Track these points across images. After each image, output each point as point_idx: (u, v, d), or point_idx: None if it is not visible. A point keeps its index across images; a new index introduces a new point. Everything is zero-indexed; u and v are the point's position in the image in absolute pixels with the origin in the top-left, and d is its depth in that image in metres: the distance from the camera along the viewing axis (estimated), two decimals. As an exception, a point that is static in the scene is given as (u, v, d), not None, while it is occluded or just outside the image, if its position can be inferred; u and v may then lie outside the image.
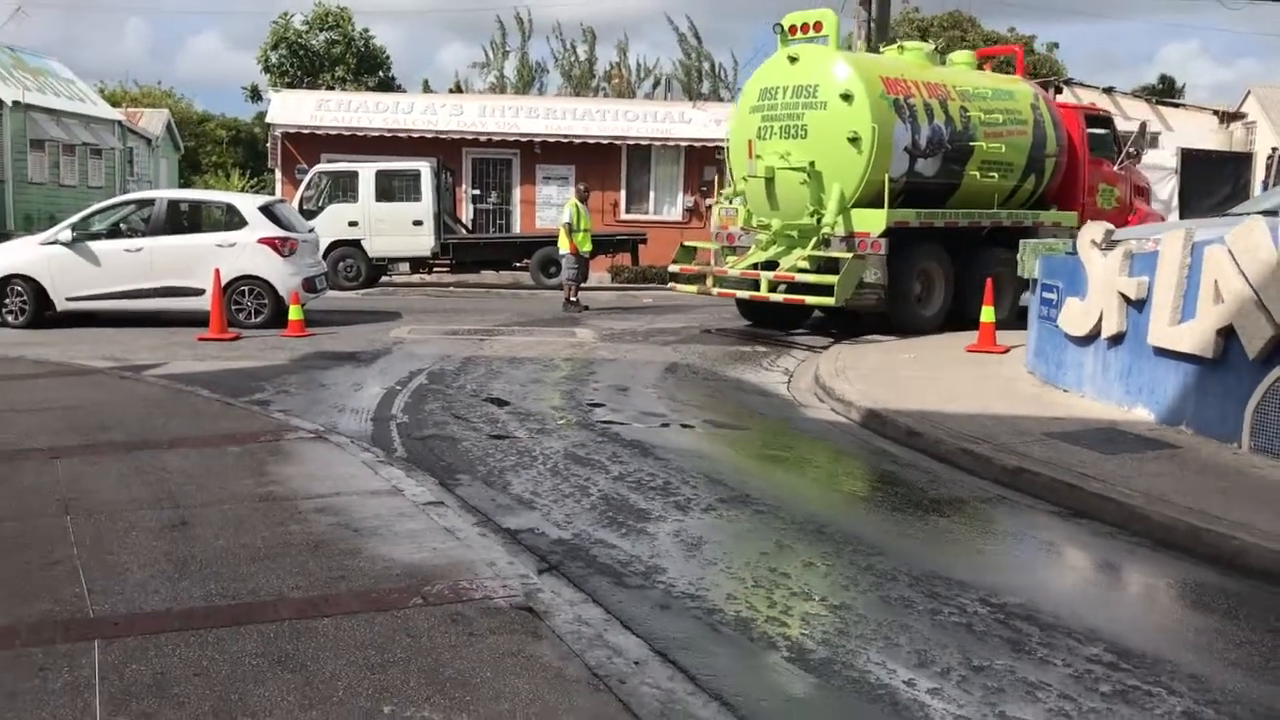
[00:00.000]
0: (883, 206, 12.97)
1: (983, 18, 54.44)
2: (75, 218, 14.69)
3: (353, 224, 20.91)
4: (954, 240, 14.19)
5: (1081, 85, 28.20)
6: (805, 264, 13.29)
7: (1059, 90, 28.08)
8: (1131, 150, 16.67)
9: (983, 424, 8.21)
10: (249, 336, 13.36)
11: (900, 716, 3.86)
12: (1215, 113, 28.09)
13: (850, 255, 12.92)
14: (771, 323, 14.79)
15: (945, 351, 11.94)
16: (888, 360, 11.39)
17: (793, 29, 13.74)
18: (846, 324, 14.39)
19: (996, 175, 14.56)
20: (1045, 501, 6.66)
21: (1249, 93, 37.87)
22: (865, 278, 13.00)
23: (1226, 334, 7.50)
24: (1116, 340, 8.76)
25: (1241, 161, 24.36)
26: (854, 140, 12.96)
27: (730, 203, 14.82)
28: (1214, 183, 23.53)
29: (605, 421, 8.73)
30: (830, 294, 12.78)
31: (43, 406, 8.44)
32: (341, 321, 15.03)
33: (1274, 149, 24.68)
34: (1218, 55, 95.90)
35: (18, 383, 9.59)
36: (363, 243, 20.99)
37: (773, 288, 13.50)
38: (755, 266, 13.75)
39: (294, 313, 13.60)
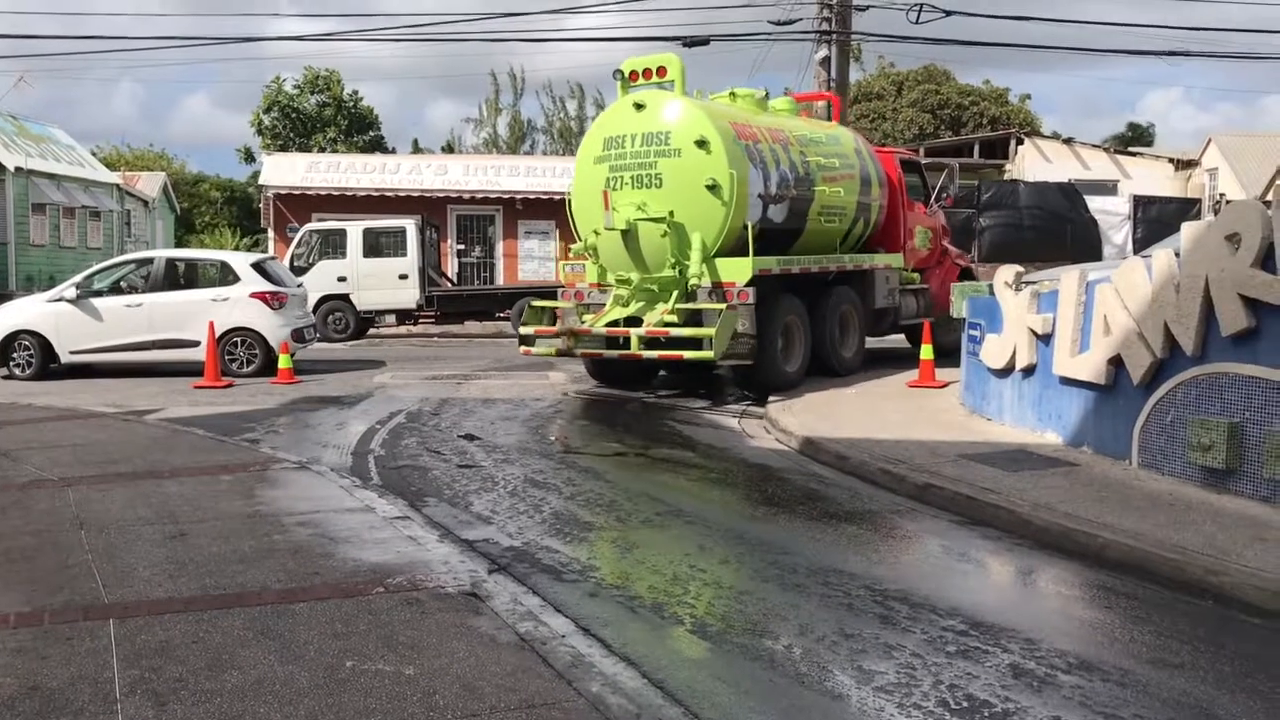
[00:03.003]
0: (745, 254, 12.41)
1: (958, 70, 55.71)
2: (79, 276, 15.68)
3: (341, 279, 21.91)
4: (804, 288, 13.77)
5: (1042, 136, 29.43)
6: (673, 318, 12.48)
7: (1020, 142, 29.28)
8: (942, 193, 16.89)
9: (906, 449, 9.07)
10: (241, 384, 14.26)
11: (775, 670, 4.69)
12: (1171, 160, 29.28)
13: (723, 306, 12.20)
14: (621, 383, 14.09)
15: (887, 388, 12.84)
16: (832, 396, 12.27)
17: (634, 74, 12.97)
18: (708, 384, 14.12)
19: (837, 220, 14.48)
20: (948, 513, 7.50)
21: (1209, 141, 39.23)
22: (737, 328, 12.27)
23: (1116, 363, 8.39)
24: (1029, 371, 9.66)
25: (1189, 206, 25.47)
26: (713, 188, 12.36)
27: (576, 259, 13.86)
28: (1172, 227, 24.61)
29: (564, 452, 9.60)
30: (708, 347, 12.03)
31: (53, 445, 9.30)
32: (328, 370, 15.94)
33: (1220, 195, 25.81)
34: (1200, 103, 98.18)
35: (29, 426, 10.45)
36: (351, 296, 21.99)
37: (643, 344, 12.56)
38: (616, 324, 12.89)
39: (283, 361, 14.51)
